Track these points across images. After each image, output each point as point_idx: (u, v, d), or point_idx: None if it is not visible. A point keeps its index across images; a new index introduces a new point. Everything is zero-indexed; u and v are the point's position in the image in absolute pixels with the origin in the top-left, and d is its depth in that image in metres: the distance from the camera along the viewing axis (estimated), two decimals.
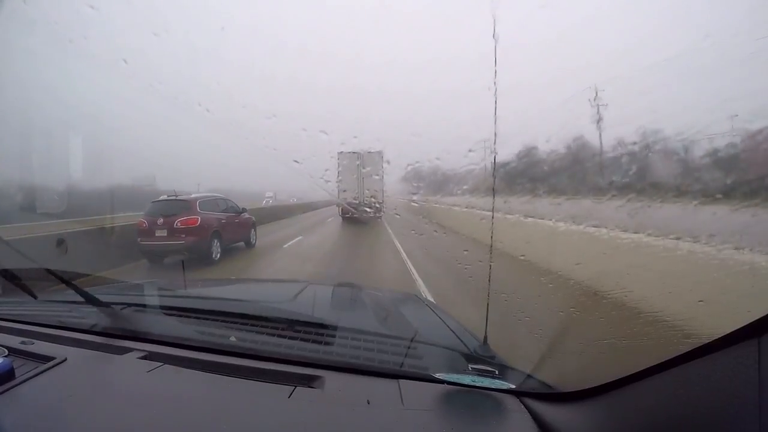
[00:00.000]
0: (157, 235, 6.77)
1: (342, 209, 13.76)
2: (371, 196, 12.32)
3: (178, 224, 6.79)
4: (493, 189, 1.43)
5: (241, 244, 8.58)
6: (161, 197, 7.49)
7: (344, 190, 13.05)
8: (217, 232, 7.32)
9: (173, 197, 7.41)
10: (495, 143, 1.32)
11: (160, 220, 6.86)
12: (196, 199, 7.41)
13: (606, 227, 4.19)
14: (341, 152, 12.08)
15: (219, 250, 7.30)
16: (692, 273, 2.77)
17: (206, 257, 6.94)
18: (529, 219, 5.83)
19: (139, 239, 6.89)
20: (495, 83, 1.31)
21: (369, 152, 12.45)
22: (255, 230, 9.06)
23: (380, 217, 13.12)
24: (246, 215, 8.76)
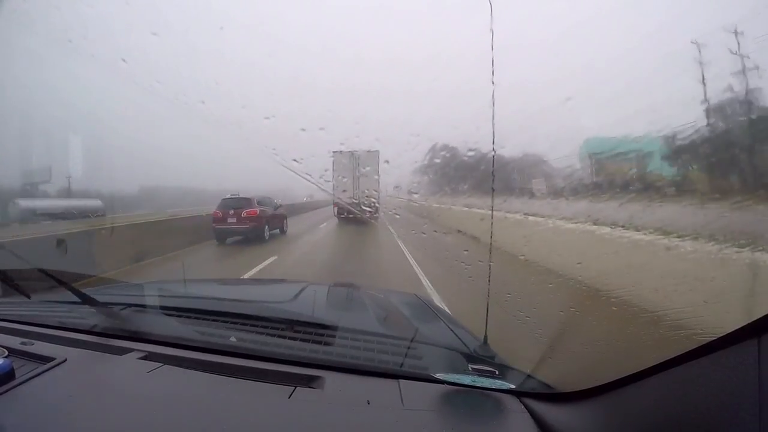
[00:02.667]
0: (228, 221, 9.70)
1: (338, 209, 13.72)
2: (368, 196, 12.26)
3: (244, 214, 9.74)
4: (492, 188, 1.43)
5: (277, 231, 11.37)
6: (228, 196, 10.40)
7: (344, 190, 13.00)
8: (267, 220, 10.35)
9: (236, 196, 10.29)
10: (494, 142, 1.31)
11: (231, 211, 9.76)
12: (253, 197, 10.30)
13: (607, 226, 4.17)
14: (337, 151, 12.06)
15: (268, 233, 10.25)
16: (693, 272, 2.77)
17: (260, 237, 9.83)
18: (530, 218, 5.80)
19: (213, 224, 9.80)
20: (493, 82, 1.31)
21: (365, 151, 12.43)
22: (286, 221, 11.91)
23: (378, 217, 13.06)
24: (281, 210, 11.51)
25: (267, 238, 10.06)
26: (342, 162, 12.93)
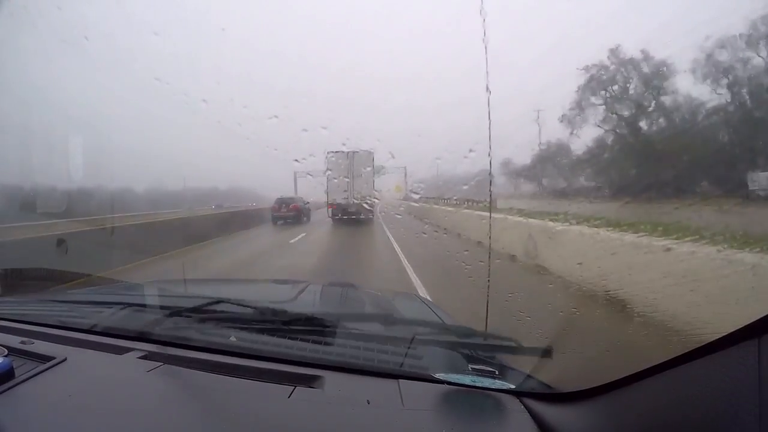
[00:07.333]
0: (282, 211, 15.53)
1: (332, 210, 14.07)
2: (363, 197, 12.24)
3: (291, 206, 15.59)
4: (490, 191, 1.43)
5: (305, 219, 16.46)
6: (280, 196, 16.21)
7: (344, 190, 12.98)
8: (302, 211, 15.96)
9: (284, 197, 16.06)
10: (490, 147, 1.31)
11: (283, 205, 15.58)
12: (294, 197, 16.33)
13: (607, 227, 4.16)
14: (331, 152, 11.99)
15: (302, 219, 15.79)
16: (693, 273, 2.77)
17: (299, 221, 15.40)
18: (530, 219, 5.81)
19: (272, 213, 15.68)
20: (488, 88, 1.31)
21: (360, 152, 12.38)
22: (311, 213, 17.16)
23: (372, 218, 13.22)
24: (308, 205, 16.76)
25: (303, 222, 15.65)
26: (337, 162, 12.90)
